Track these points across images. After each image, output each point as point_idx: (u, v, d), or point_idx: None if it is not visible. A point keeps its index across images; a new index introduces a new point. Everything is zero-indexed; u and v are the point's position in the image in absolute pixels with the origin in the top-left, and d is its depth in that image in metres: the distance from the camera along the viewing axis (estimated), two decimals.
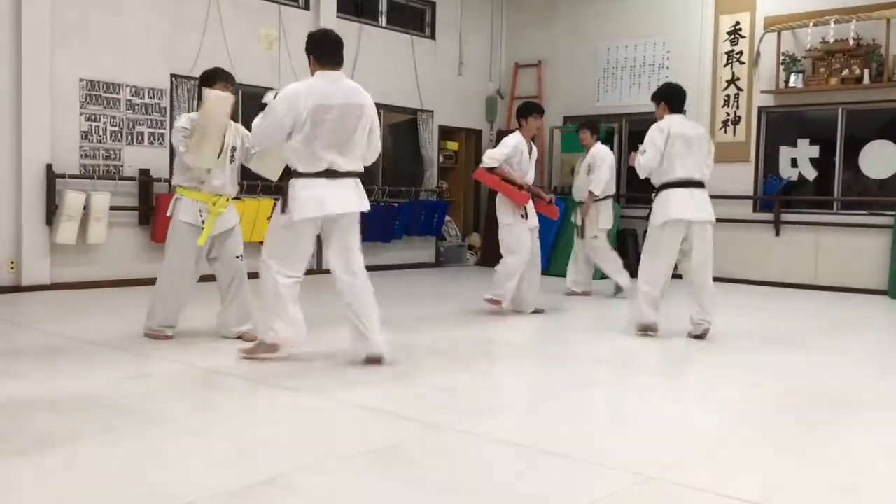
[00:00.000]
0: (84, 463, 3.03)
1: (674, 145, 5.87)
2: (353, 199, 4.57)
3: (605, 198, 8.26)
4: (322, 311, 6.09)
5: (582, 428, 3.71)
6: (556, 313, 7.14)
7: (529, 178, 6.95)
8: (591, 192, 8.14)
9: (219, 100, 5.03)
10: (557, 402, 4.16)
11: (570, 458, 3.19)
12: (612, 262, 8.30)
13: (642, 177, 6.05)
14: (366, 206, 4.64)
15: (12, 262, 7.59)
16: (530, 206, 6.87)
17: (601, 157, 8.19)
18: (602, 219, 8.22)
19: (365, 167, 4.73)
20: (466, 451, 3.30)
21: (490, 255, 11.41)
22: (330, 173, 4.48)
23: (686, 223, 5.80)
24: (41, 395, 3.97)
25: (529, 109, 7.03)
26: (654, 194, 6.00)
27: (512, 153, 6.85)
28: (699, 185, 5.90)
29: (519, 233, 6.79)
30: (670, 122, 5.97)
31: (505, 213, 6.84)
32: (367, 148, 4.69)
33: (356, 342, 4.70)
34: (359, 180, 4.65)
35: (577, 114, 11.29)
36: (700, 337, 5.87)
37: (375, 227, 10.22)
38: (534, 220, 6.90)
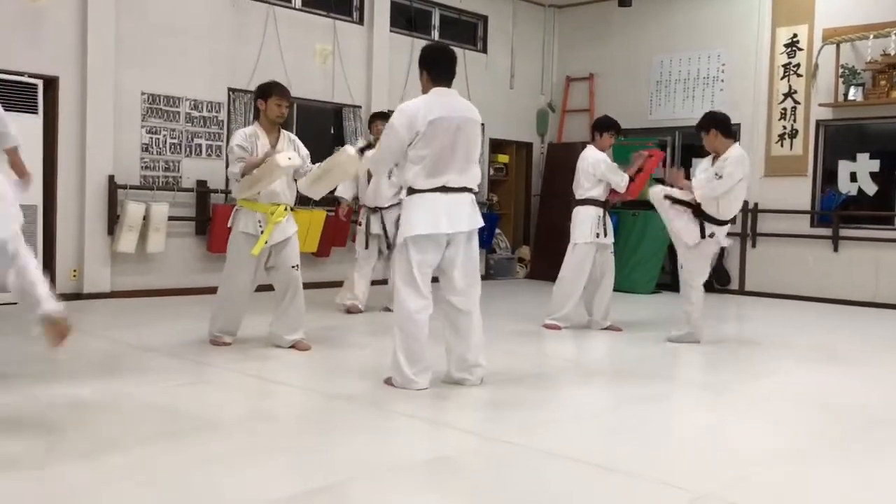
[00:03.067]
0: (143, 467, 3.10)
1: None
2: (467, 217, 4.45)
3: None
4: (375, 320, 6.15)
5: (638, 444, 3.68)
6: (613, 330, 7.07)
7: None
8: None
9: (350, 160, 5.21)
10: (613, 418, 4.13)
11: (626, 474, 3.16)
12: None
13: (699, 200, 6.07)
14: (479, 222, 4.52)
15: (74, 271, 7.81)
16: (609, 223, 6.86)
17: None
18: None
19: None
20: (522, 465, 3.30)
21: (540, 268, 11.39)
22: (446, 189, 4.38)
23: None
24: (102, 400, 4.08)
25: (609, 125, 6.97)
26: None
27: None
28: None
29: (586, 253, 6.74)
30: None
31: (581, 232, 6.76)
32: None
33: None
34: (473, 197, 4.54)
35: (629, 127, 11.18)
36: None
37: None
38: (610, 237, 6.85)
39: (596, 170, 6.75)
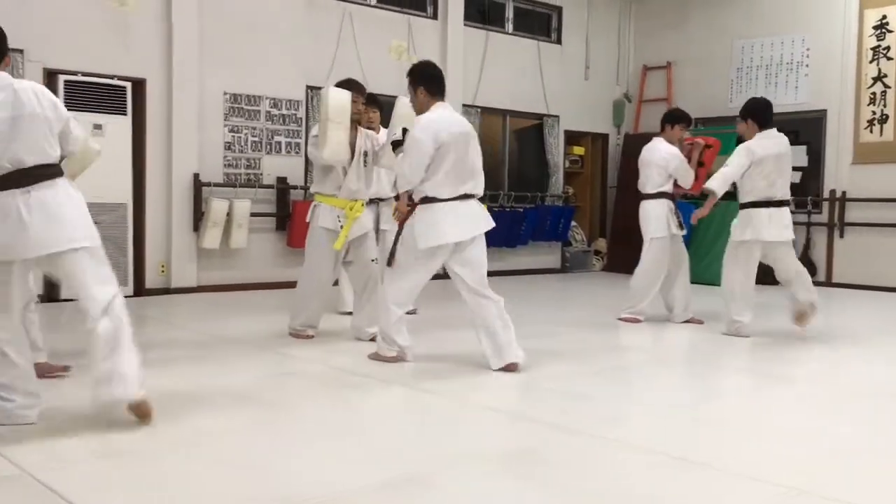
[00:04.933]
0: (231, 456, 3.20)
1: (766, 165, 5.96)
2: (483, 220, 4.77)
3: None
4: (448, 315, 6.18)
5: (720, 437, 3.61)
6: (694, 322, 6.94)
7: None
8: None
9: (334, 92, 5.26)
10: (693, 410, 4.06)
11: (711, 468, 3.11)
12: None
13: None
14: (492, 223, 4.81)
15: (163, 266, 8.10)
16: (680, 214, 6.77)
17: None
18: None
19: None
20: (603, 457, 3.27)
21: (616, 261, 11.25)
22: (465, 197, 4.66)
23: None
24: (191, 391, 4.22)
25: (680, 117, 6.88)
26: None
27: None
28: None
29: (663, 246, 6.66)
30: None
31: (656, 226, 6.67)
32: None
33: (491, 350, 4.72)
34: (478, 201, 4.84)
35: (709, 115, 10.96)
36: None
37: (501, 233, 10.26)
38: (683, 229, 6.77)
39: (669, 165, 6.65)
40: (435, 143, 4.54)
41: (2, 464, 3.01)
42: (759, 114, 6.07)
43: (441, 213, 4.61)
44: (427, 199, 4.63)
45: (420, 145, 4.56)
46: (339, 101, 5.23)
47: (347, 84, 5.53)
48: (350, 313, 6.38)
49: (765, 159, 5.93)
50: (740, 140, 6.26)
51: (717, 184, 6.05)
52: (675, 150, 6.71)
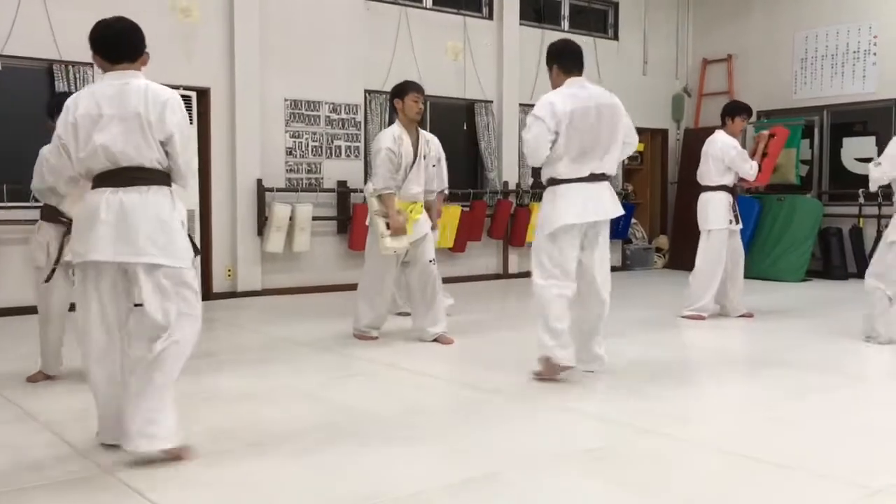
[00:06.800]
0: (307, 456, 3.25)
1: None
2: (609, 205, 4.47)
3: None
4: (508, 313, 6.18)
5: (796, 436, 3.53)
6: (764, 317, 6.81)
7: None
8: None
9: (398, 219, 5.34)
10: (768, 410, 3.98)
11: (787, 468, 3.05)
12: None
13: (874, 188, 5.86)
14: (620, 210, 4.53)
15: (229, 270, 8.27)
16: (737, 210, 6.70)
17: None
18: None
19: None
20: (678, 457, 3.24)
21: (678, 258, 11.07)
22: (590, 178, 4.40)
23: None
24: (263, 392, 4.31)
25: (740, 109, 6.79)
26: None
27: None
28: None
29: (721, 239, 6.60)
30: None
31: (715, 218, 6.60)
32: (621, 148, 4.57)
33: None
34: (609, 184, 4.54)
35: (772, 108, 10.72)
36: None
37: None
38: (740, 224, 6.73)
39: (726, 156, 6.58)
40: (553, 120, 4.32)
41: (83, 464, 3.12)
42: None
43: (558, 195, 4.38)
44: (551, 181, 4.44)
45: (538, 122, 4.36)
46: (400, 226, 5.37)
47: (405, 86, 5.58)
48: (404, 314, 6.40)
49: None
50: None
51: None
52: (733, 141, 6.66)
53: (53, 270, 4.32)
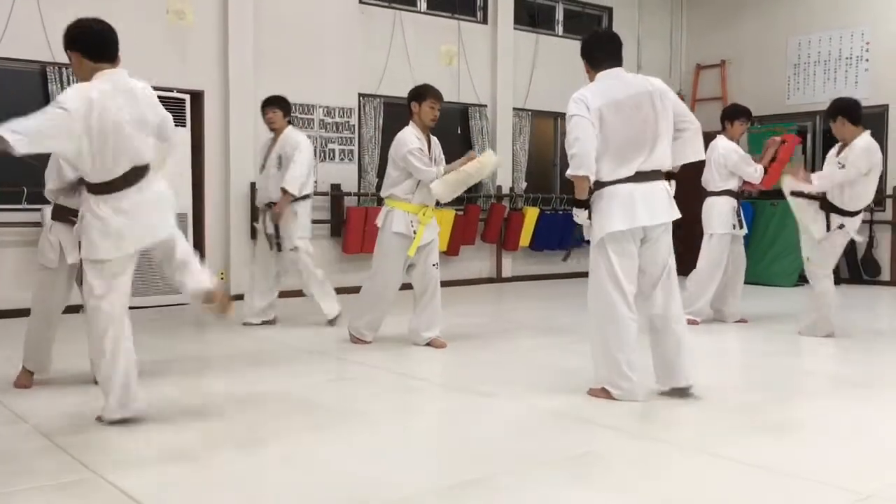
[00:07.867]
0: (298, 458, 3.25)
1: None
2: (665, 207, 4.07)
3: (304, 197, 6.54)
4: (501, 317, 6.18)
5: (793, 442, 3.53)
6: (758, 323, 6.82)
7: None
8: (285, 191, 6.36)
9: (491, 163, 5.68)
10: (765, 415, 3.98)
11: (781, 473, 3.05)
12: (320, 283, 6.71)
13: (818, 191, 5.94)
14: (677, 213, 4.12)
15: (222, 273, 8.25)
16: (742, 215, 6.74)
17: (294, 144, 6.52)
18: (302, 225, 6.55)
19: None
20: (668, 462, 3.24)
21: (687, 262, 11.04)
22: (637, 177, 3.99)
23: None
24: (255, 394, 4.30)
25: (739, 113, 6.83)
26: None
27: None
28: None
29: (723, 243, 6.61)
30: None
31: (719, 222, 6.62)
32: (673, 137, 4.12)
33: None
34: (667, 184, 4.12)
35: (765, 113, 10.75)
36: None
37: (555, 236, 10.28)
38: (744, 230, 6.73)
39: (727, 161, 6.59)
40: (589, 115, 3.97)
41: (73, 466, 3.11)
42: (850, 111, 5.96)
43: (604, 199, 4.02)
44: (597, 184, 4.03)
45: (576, 120, 4.01)
46: (489, 167, 5.71)
47: (425, 90, 5.56)
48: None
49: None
50: (832, 138, 6.20)
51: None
52: (733, 145, 6.68)
53: (80, 268, 3.98)
